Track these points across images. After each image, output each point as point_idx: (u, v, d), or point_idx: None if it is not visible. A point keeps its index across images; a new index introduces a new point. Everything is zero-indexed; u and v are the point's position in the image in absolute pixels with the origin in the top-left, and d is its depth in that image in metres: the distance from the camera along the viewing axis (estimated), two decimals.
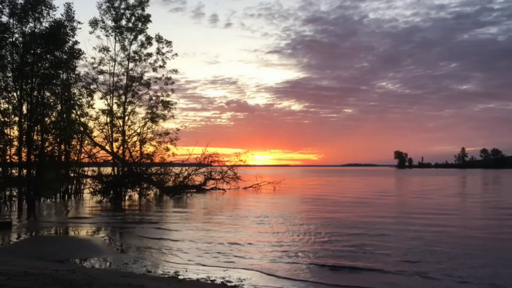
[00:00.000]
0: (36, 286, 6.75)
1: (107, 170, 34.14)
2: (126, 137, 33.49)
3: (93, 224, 19.26)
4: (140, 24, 32.34)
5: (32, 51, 25.06)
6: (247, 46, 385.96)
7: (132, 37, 32.38)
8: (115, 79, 32.43)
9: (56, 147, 29.08)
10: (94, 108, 33.03)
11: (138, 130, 34.05)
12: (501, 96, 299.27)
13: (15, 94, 25.06)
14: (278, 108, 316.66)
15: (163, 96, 34.06)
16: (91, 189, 31.99)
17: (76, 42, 27.44)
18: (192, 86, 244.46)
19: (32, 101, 25.20)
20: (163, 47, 33.31)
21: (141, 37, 32.65)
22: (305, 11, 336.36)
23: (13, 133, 25.57)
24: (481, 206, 27.22)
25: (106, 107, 32.64)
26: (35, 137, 25.52)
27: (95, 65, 32.06)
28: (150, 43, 32.90)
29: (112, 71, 32.29)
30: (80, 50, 28.19)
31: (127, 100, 32.88)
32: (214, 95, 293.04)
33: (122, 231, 17.17)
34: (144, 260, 11.55)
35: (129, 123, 33.58)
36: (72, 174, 33.76)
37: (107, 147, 33.07)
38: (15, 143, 25.28)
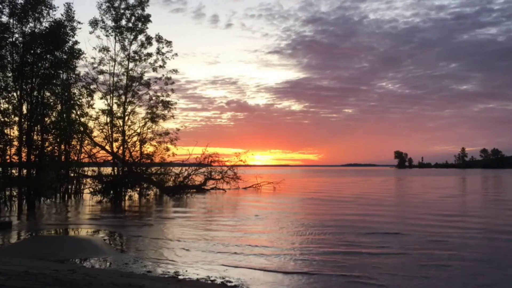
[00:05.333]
0: (36, 286, 6.75)
1: (107, 170, 34.13)
2: (126, 137, 33.48)
3: (93, 224, 19.26)
4: (140, 24, 32.32)
5: (32, 51, 25.03)
6: (248, 47, 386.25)
7: (132, 37, 32.37)
8: (115, 79, 32.44)
9: (56, 147, 29.05)
10: (94, 108, 33.08)
11: (138, 130, 34.08)
12: (501, 96, 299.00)
13: (15, 94, 25.04)
14: (278, 108, 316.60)
15: (163, 96, 34.08)
16: (91, 189, 32.00)
17: (76, 42, 27.44)
18: (192, 86, 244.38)
19: (32, 101, 25.18)
20: (163, 47, 33.33)
21: (141, 37, 32.66)
22: (305, 12, 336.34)
23: (13, 133, 25.57)
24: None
25: (106, 107, 32.65)
26: (35, 137, 25.50)
27: (95, 65, 32.07)
28: (150, 43, 32.89)
29: (112, 71, 32.30)
30: (80, 50, 28.19)
31: (127, 100, 32.86)
32: (214, 95, 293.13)
33: (122, 231, 17.16)
34: (144, 260, 11.55)
35: (129, 123, 33.59)
36: (72, 174, 33.77)
37: (107, 147, 33.07)
38: (15, 143, 25.27)
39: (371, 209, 24.32)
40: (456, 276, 9.78)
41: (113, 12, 31.65)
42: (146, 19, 32.41)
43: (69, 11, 26.54)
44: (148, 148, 34.70)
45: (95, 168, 33.47)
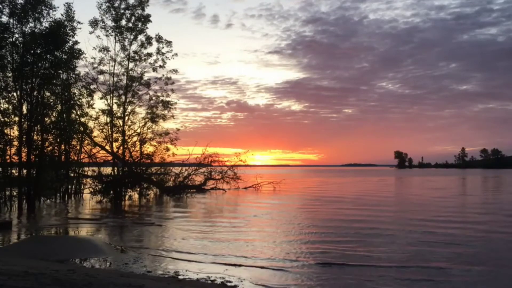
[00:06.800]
0: (36, 286, 6.75)
1: (107, 170, 34.13)
2: (126, 137, 33.48)
3: (93, 224, 19.25)
4: (140, 24, 32.33)
5: (32, 51, 25.04)
6: (248, 47, 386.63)
7: (132, 37, 32.38)
8: (115, 79, 32.46)
9: (56, 147, 29.05)
10: (94, 108, 33.11)
11: (138, 130, 34.09)
12: (501, 96, 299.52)
13: (15, 94, 25.05)
14: (278, 108, 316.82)
15: (163, 96, 34.10)
16: (91, 189, 32.00)
17: (76, 42, 27.48)
18: (192, 86, 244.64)
19: (32, 101, 25.18)
20: (163, 47, 33.36)
21: (141, 37, 32.68)
22: (305, 12, 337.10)
23: (13, 133, 25.58)
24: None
25: (106, 107, 32.68)
26: (35, 137, 25.50)
27: (95, 65, 32.09)
28: (150, 43, 32.90)
29: (112, 71, 32.32)
30: (80, 50, 28.23)
31: (127, 100, 32.87)
32: (214, 95, 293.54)
33: (122, 231, 17.17)
34: (144, 260, 11.55)
35: (129, 123, 33.60)
36: (72, 174, 33.77)
37: (107, 147, 33.08)
38: (15, 143, 25.27)
39: (369, 212, 23.34)
40: None
41: (113, 12, 31.66)
42: (146, 19, 32.42)
43: (69, 11, 26.59)
44: (148, 148, 34.77)
45: (95, 168, 33.47)
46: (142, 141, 34.26)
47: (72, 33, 26.80)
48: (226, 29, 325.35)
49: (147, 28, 32.55)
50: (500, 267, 10.85)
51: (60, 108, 28.80)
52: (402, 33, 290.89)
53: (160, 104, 33.91)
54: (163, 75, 33.89)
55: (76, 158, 33.33)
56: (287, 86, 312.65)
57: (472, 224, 17.98)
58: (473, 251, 12.57)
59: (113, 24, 31.84)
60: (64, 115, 29.19)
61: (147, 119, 33.90)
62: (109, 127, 32.51)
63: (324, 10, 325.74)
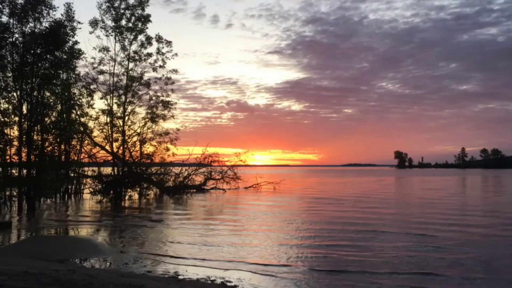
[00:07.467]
0: (36, 286, 6.75)
1: (107, 170, 34.13)
2: (126, 137, 33.48)
3: (93, 224, 19.27)
4: (140, 24, 32.35)
5: (32, 51, 25.02)
6: (248, 47, 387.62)
7: (132, 37, 32.39)
8: (115, 79, 32.46)
9: (56, 147, 29.04)
10: (94, 108, 33.12)
11: (138, 130, 34.10)
12: (501, 96, 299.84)
13: (15, 94, 25.02)
14: (278, 108, 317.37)
15: (163, 96, 34.13)
16: (91, 189, 32.00)
17: (76, 42, 27.41)
18: (192, 86, 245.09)
19: (32, 101, 25.16)
20: (163, 47, 33.38)
21: (141, 37, 32.70)
22: (305, 12, 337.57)
23: (13, 133, 25.55)
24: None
25: (106, 107, 32.69)
26: (35, 137, 25.48)
27: (95, 65, 32.10)
28: (150, 43, 32.92)
29: (112, 71, 32.32)
30: (80, 50, 28.15)
31: (127, 100, 32.87)
32: (214, 95, 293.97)
33: (122, 231, 17.17)
34: (144, 260, 11.55)
35: (129, 123, 33.61)
36: (72, 174, 33.77)
37: (107, 147, 33.08)
38: (15, 143, 25.25)
39: (368, 214, 22.70)
40: None
41: (113, 12, 31.67)
42: (146, 19, 32.42)
43: (69, 11, 26.53)
44: (148, 148, 34.80)
45: (95, 168, 33.47)
46: (142, 141, 34.28)
47: (72, 33, 26.77)
48: (226, 29, 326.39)
49: (147, 28, 32.62)
50: (501, 274, 10.49)
51: (60, 108, 28.79)
52: (402, 33, 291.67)
53: (160, 104, 33.96)
54: (163, 75, 33.96)
55: (76, 158, 33.34)
56: (287, 86, 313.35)
57: (472, 228, 17.29)
58: (473, 256, 12.13)
59: (113, 24, 31.87)
60: (64, 115, 29.18)
61: (147, 119, 33.93)
62: (109, 127, 32.52)
63: (324, 10, 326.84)
